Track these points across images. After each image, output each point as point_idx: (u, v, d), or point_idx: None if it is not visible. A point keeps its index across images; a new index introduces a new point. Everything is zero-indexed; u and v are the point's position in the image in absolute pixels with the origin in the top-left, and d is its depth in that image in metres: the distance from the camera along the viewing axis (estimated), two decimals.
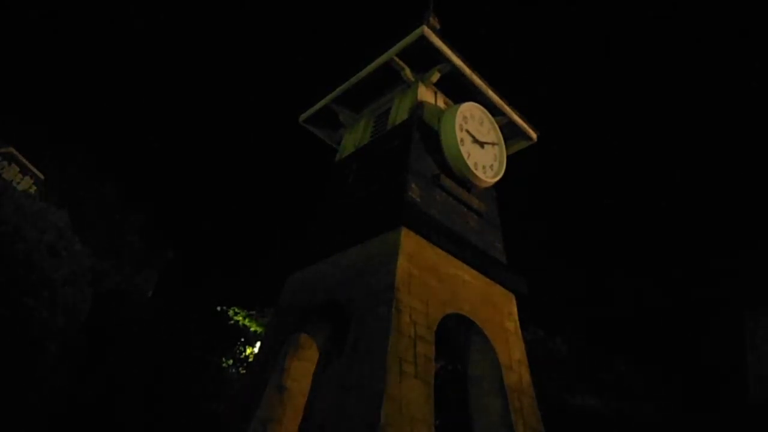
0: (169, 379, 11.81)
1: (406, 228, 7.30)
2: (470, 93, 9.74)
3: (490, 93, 9.89)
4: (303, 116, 11.38)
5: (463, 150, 8.70)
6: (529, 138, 10.73)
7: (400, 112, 9.44)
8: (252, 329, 16.76)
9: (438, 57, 9.19)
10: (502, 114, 10.14)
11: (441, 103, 9.79)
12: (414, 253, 7.23)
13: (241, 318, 16.95)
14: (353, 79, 10.03)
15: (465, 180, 8.87)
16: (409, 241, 7.24)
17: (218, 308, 17.03)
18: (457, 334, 8.05)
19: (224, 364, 15.12)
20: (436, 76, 9.48)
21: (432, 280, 7.29)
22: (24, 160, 27.85)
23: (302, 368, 8.06)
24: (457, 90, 9.81)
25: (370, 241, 7.65)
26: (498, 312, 8.17)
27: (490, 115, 9.70)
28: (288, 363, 7.94)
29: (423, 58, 9.26)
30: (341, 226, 8.49)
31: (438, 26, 10.14)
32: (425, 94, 9.47)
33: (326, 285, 7.94)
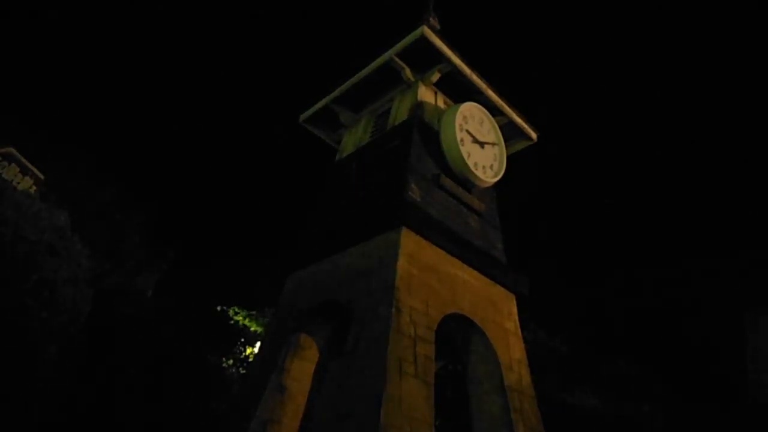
0: (169, 379, 11.81)
1: (406, 228, 7.29)
2: (470, 93, 9.75)
3: (490, 93, 9.90)
4: (303, 116, 11.38)
5: (463, 150, 8.70)
6: (529, 138, 10.75)
7: (400, 112, 9.44)
8: (252, 329, 16.74)
9: (438, 57, 9.19)
10: (502, 114, 10.15)
11: (441, 103, 9.80)
12: (414, 253, 7.23)
13: (241, 318, 16.94)
14: (353, 79, 10.04)
15: (465, 180, 8.86)
16: (409, 241, 7.24)
17: (218, 308, 17.03)
18: (457, 334, 8.06)
19: (224, 364, 15.12)
20: (436, 76, 9.48)
21: (432, 280, 7.29)
22: (24, 160, 27.81)
23: (302, 368, 8.07)
24: (457, 90, 9.82)
25: (370, 241, 7.65)
26: (498, 312, 8.17)
27: (490, 115, 9.70)
28: (288, 363, 7.95)
29: (423, 58, 9.26)
30: (341, 226, 8.49)
31: (438, 26, 10.15)
32: (425, 94, 9.48)
33: (326, 285, 7.94)
